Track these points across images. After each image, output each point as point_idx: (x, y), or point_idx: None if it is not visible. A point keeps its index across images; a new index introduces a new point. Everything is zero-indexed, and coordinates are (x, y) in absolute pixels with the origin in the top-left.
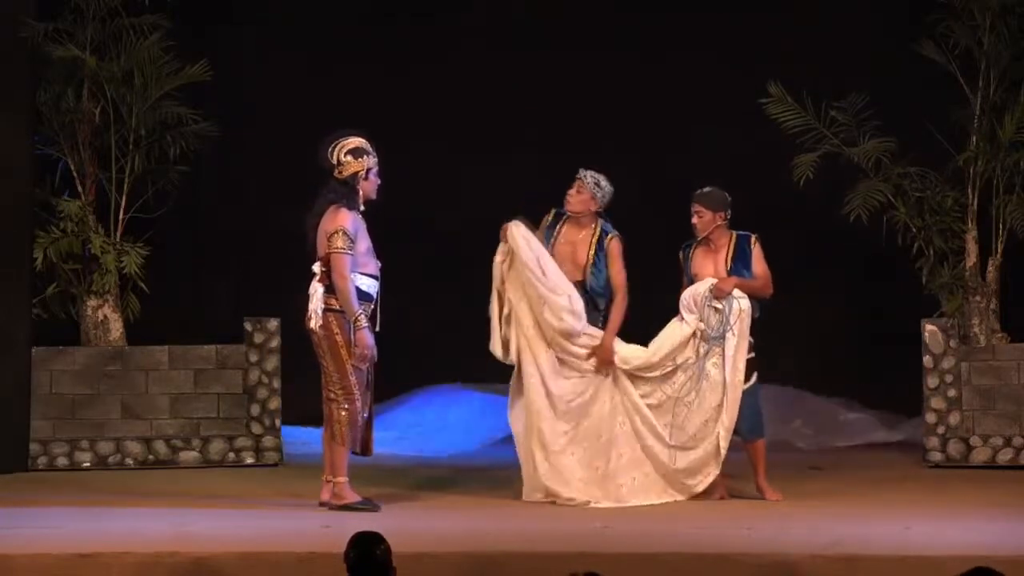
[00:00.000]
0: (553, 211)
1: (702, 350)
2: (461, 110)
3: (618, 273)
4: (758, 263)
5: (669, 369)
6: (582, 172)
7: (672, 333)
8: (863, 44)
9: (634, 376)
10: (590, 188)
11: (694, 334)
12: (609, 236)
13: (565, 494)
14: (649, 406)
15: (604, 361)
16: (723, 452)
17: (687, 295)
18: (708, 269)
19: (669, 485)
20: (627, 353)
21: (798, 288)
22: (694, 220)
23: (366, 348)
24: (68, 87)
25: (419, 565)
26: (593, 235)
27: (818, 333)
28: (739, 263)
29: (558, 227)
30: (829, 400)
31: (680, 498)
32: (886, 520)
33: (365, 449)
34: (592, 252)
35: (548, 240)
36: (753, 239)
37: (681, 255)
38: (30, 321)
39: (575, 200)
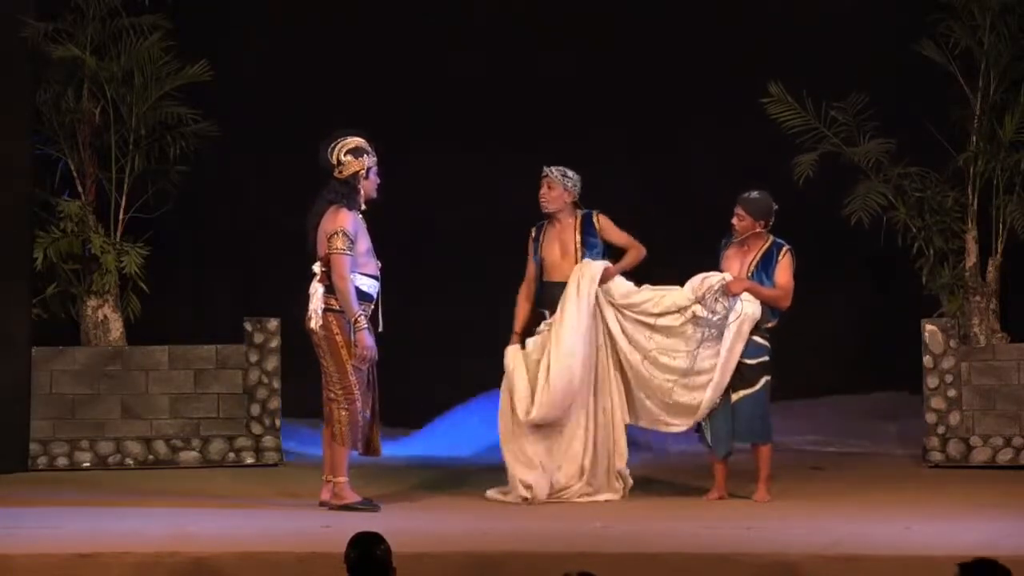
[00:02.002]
0: (533, 228)
1: (698, 332)
2: (462, 110)
3: (622, 235)
4: (782, 274)
5: (668, 324)
6: (545, 169)
7: (671, 292)
8: (863, 44)
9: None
10: (559, 181)
11: (695, 316)
12: (595, 213)
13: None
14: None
15: (604, 278)
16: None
17: (698, 277)
18: (733, 268)
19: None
20: (627, 287)
21: (797, 288)
22: (734, 220)
23: (365, 349)
24: (68, 87)
25: (419, 565)
26: (576, 222)
27: (817, 333)
28: (762, 270)
29: (541, 235)
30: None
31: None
32: (886, 520)
33: (370, 449)
34: (578, 236)
35: (536, 252)
36: (784, 249)
37: (722, 242)
38: (30, 321)
39: (550, 198)
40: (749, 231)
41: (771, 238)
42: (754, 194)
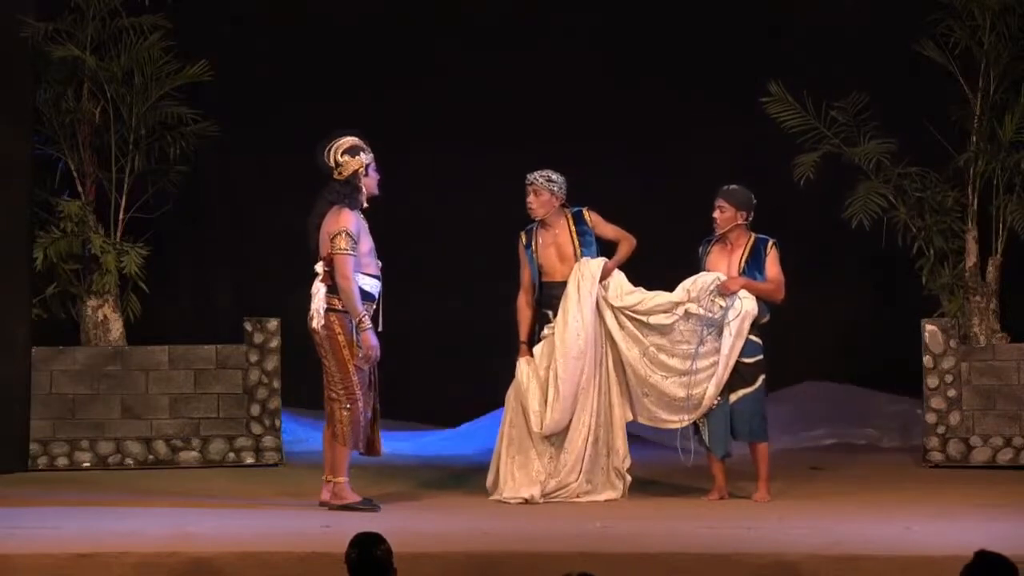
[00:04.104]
0: (522, 233)
1: (696, 332)
2: (462, 110)
3: (613, 229)
4: (772, 267)
5: (664, 322)
6: (529, 177)
7: (661, 294)
8: (863, 44)
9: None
10: (545, 187)
11: (687, 313)
12: (584, 210)
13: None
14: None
15: (603, 275)
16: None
17: (689, 280)
18: (721, 268)
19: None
20: (620, 288)
21: (797, 288)
22: (715, 214)
23: (370, 348)
24: (68, 87)
25: (419, 565)
26: (568, 223)
27: (817, 333)
28: (753, 265)
29: (533, 241)
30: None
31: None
32: (886, 520)
33: (371, 449)
34: (575, 238)
35: (531, 260)
36: (770, 243)
37: (700, 249)
38: (30, 321)
39: (537, 205)
40: (731, 223)
41: (753, 234)
42: (733, 186)
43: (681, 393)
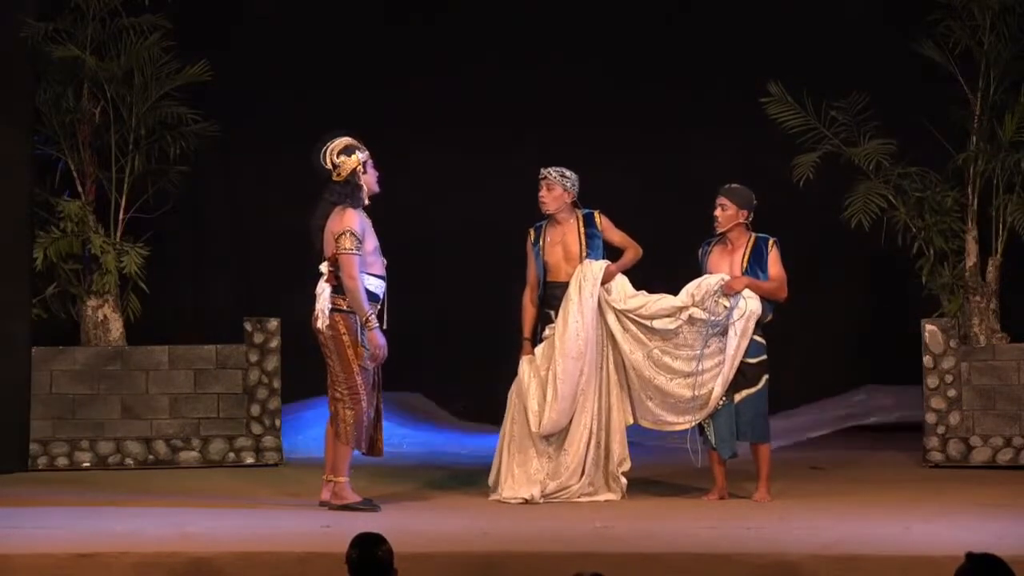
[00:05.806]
0: (531, 230)
1: (700, 335)
2: (462, 110)
3: (621, 236)
4: (774, 265)
5: (669, 327)
6: (543, 171)
7: (665, 298)
8: (863, 44)
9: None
10: (558, 182)
11: (691, 317)
12: (595, 213)
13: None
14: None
15: (605, 278)
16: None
17: (693, 284)
18: (723, 268)
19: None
20: (624, 292)
21: (797, 288)
22: (716, 212)
23: (377, 348)
24: (68, 87)
25: (419, 565)
26: (578, 223)
27: (817, 333)
28: (755, 264)
29: (541, 239)
30: None
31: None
32: (886, 520)
33: (373, 449)
34: (583, 239)
35: (538, 257)
36: (771, 242)
37: (700, 252)
38: (30, 321)
39: (549, 199)
40: (732, 222)
41: (753, 233)
42: (735, 184)
43: (687, 394)
